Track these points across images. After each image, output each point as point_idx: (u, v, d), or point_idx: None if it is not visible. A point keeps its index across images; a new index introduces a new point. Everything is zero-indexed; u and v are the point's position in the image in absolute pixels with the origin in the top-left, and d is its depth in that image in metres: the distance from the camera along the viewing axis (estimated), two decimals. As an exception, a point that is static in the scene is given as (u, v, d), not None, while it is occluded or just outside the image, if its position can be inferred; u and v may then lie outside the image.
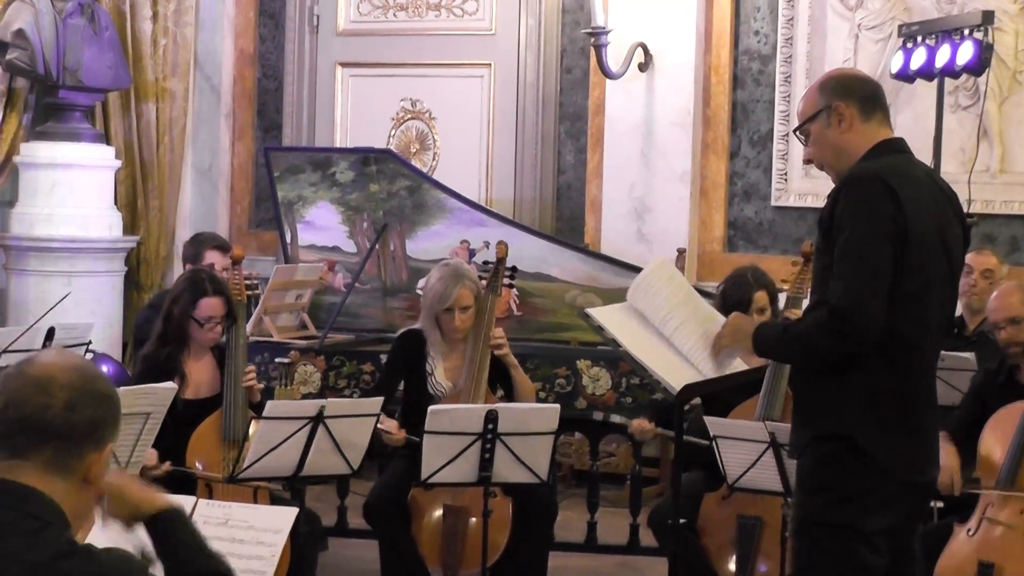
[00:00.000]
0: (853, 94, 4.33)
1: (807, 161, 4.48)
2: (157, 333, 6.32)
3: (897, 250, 4.12)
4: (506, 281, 6.67)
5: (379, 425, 6.19)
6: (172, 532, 2.96)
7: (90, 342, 6.96)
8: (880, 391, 4.19)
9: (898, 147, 4.36)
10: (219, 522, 3.55)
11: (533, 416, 5.98)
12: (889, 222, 4.11)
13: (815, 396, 4.29)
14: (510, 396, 6.61)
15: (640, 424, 6.51)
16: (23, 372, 2.78)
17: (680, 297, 4.76)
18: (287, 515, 3.57)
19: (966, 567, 5.60)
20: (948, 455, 5.81)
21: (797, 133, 4.45)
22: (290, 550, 5.95)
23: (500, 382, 6.65)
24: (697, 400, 6.26)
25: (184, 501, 3.65)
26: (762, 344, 4.46)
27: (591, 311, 4.60)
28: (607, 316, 4.55)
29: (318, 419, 5.72)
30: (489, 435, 5.84)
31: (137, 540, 3.03)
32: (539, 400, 7.22)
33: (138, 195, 10.37)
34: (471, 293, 6.54)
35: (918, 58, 8.05)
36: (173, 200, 10.55)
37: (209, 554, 2.96)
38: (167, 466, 5.98)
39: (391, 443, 6.37)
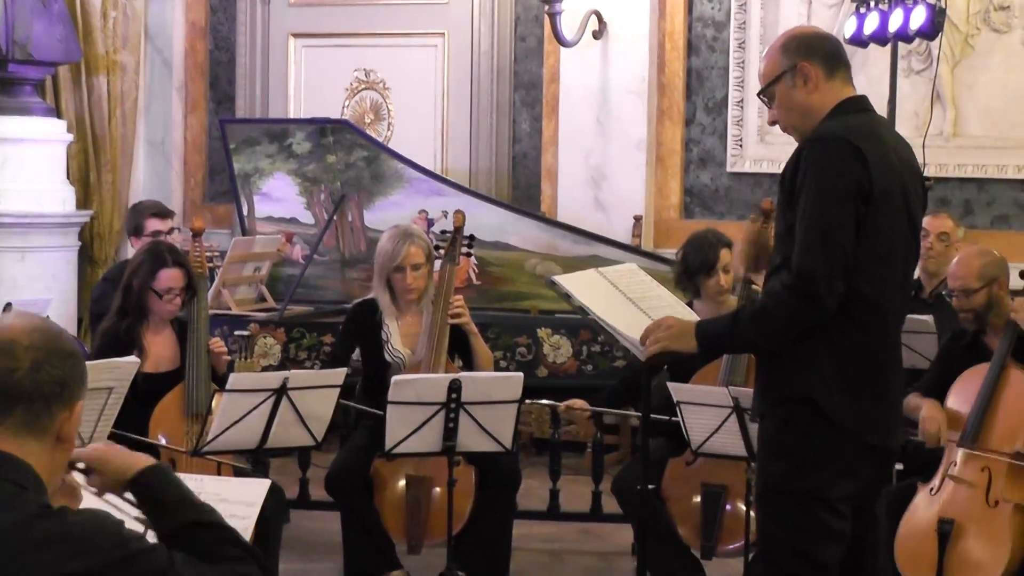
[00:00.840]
0: (816, 52, 4.28)
1: (772, 123, 4.44)
2: (116, 306, 6.27)
3: (860, 210, 4.10)
4: (464, 250, 6.65)
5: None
6: (155, 489, 2.94)
7: (47, 317, 6.89)
8: (844, 352, 4.15)
9: (862, 105, 4.33)
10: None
11: (497, 385, 5.98)
12: (852, 183, 4.09)
13: (777, 358, 4.24)
14: (469, 365, 6.60)
15: (571, 404, 6.53)
16: None
17: (654, 291, 4.75)
18: (259, 487, 3.56)
19: (927, 525, 5.63)
20: (930, 407, 5.82)
21: (762, 96, 4.41)
22: (255, 523, 5.96)
23: (459, 351, 6.64)
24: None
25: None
26: (711, 340, 4.36)
27: (558, 278, 4.59)
28: (574, 283, 4.55)
29: (281, 391, 5.71)
30: (453, 404, 5.83)
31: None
32: (500, 369, 7.22)
33: (91, 169, 10.28)
34: (421, 251, 6.53)
35: (871, 23, 8.06)
36: (126, 174, 10.46)
37: (197, 505, 2.94)
38: None
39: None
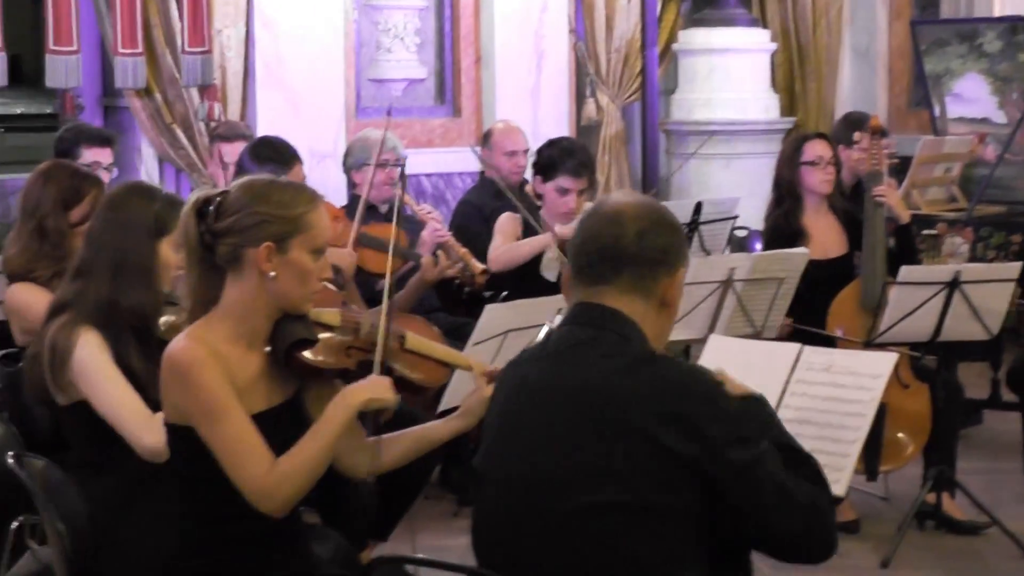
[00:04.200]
0: None
1: None
2: (773, 198, 6.52)
3: None
4: None
5: None
6: (754, 413, 3.13)
7: (736, 216, 7.16)
8: None
9: None
10: (822, 368, 3.69)
11: None
12: None
13: None
14: None
15: None
16: (597, 211, 3.13)
17: None
18: (887, 361, 3.67)
19: None
20: None
21: None
22: (931, 420, 6.03)
23: None
24: None
25: (789, 348, 3.82)
26: None
27: None
28: None
29: (953, 284, 5.73)
30: None
31: None
32: None
33: (795, 78, 10.56)
34: None
35: None
36: (831, 82, 10.66)
37: (784, 433, 3.10)
38: (788, 321, 6.13)
39: None
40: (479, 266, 6.40)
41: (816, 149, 6.39)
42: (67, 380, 3.86)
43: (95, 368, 3.82)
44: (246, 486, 3.23)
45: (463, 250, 6.40)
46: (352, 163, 6.93)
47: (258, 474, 3.22)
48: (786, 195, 6.43)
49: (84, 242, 4.08)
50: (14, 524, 4.24)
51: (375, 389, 3.37)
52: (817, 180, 6.39)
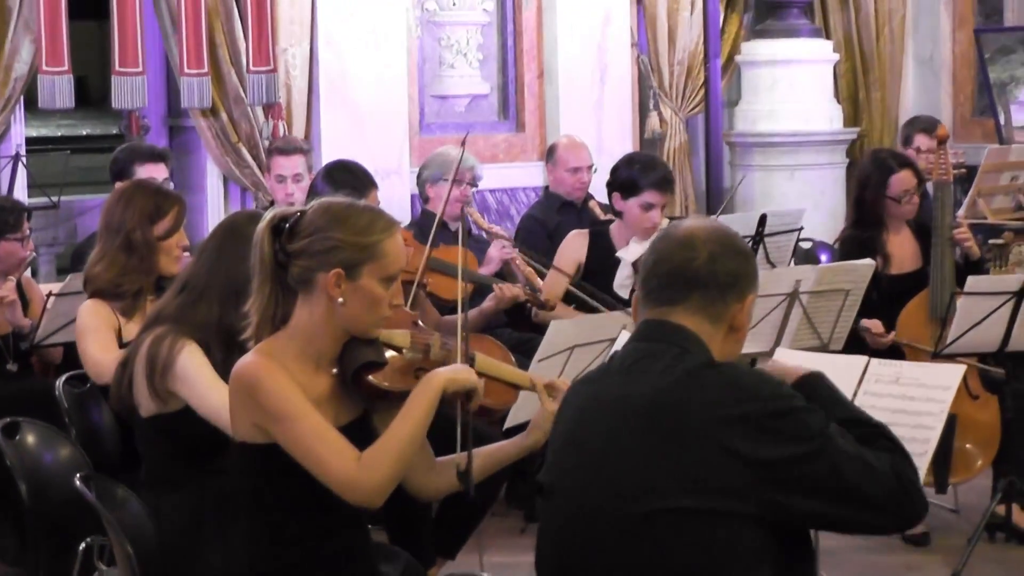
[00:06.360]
0: None
1: None
2: (853, 218, 6.59)
3: None
4: None
5: None
6: (812, 390, 3.12)
7: (801, 228, 7.14)
8: None
9: None
10: (890, 380, 3.68)
11: None
12: None
13: None
14: None
15: None
16: (669, 233, 3.14)
17: None
18: (955, 372, 3.66)
19: None
20: None
21: None
22: (1000, 431, 6.00)
23: None
24: None
25: (856, 360, 3.81)
26: None
27: None
28: None
29: (1021, 294, 5.71)
30: None
31: None
32: None
33: (859, 87, 10.50)
34: None
35: None
36: (895, 91, 10.59)
37: (849, 405, 3.12)
38: (892, 336, 6.14)
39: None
40: (541, 283, 6.45)
41: (903, 183, 6.40)
42: (166, 388, 3.93)
43: (197, 372, 3.91)
44: (336, 479, 3.23)
45: (528, 269, 6.44)
46: (428, 176, 6.99)
47: (346, 465, 3.23)
48: (868, 217, 6.44)
49: (195, 261, 4.17)
50: (82, 545, 4.28)
51: (457, 371, 3.38)
52: (903, 212, 6.43)
